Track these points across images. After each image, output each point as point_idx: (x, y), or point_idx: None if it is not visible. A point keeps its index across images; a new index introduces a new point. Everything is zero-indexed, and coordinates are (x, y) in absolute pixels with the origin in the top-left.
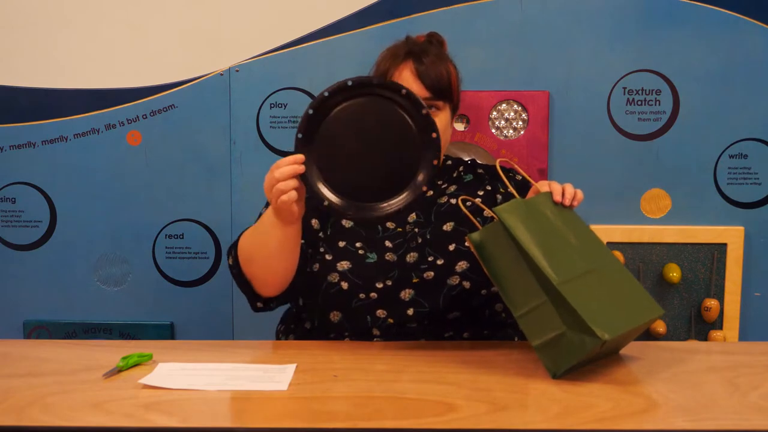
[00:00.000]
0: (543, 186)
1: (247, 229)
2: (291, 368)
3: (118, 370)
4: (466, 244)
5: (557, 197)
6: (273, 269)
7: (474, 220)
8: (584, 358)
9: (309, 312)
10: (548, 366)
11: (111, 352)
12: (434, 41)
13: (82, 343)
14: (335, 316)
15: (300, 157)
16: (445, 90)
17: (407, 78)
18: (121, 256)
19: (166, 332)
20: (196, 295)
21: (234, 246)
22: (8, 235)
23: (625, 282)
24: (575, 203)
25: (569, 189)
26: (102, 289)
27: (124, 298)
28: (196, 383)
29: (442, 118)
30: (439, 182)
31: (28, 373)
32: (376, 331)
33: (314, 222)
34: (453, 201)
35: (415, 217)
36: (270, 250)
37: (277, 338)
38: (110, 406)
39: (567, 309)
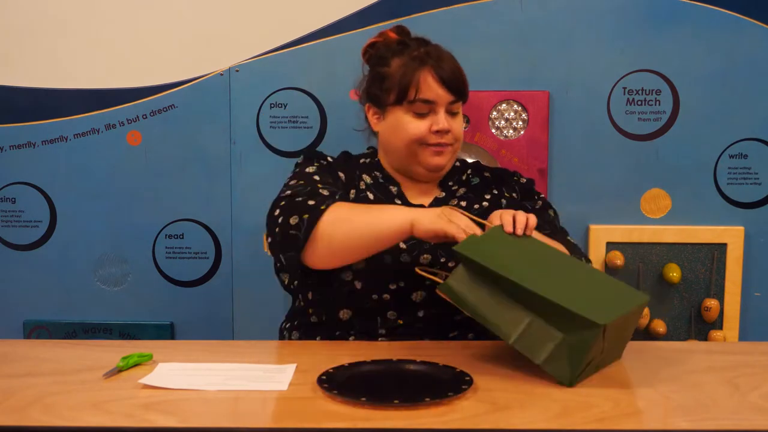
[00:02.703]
0: (494, 218)
1: (333, 201)
2: (291, 368)
3: (118, 370)
4: (440, 295)
5: (508, 228)
6: (361, 246)
7: (483, 222)
8: (591, 355)
9: (317, 307)
10: (561, 377)
11: (111, 352)
12: (407, 35)
13: (82, 343)
14: (345, 314)
15: None
16: (463, 88)
17: (432, 85)
18: (121, 256)
19: (166, 332)
20: (196, 295)
21: (314, 210)
22: (8, 235)
23: (602, 279)
24: (528, 232)
25: (520, 218)
26: (102, 289)
27: (124, 298)
28: (196, 383)
29: (460, 117)
30: (449, 183)
31: (28, 373)
32: (382, 330)
33: None
34: (463, 203)
35: None
36: (381, 233)
37: (281, 335)
38: (110, 406)
39: (557, 313)
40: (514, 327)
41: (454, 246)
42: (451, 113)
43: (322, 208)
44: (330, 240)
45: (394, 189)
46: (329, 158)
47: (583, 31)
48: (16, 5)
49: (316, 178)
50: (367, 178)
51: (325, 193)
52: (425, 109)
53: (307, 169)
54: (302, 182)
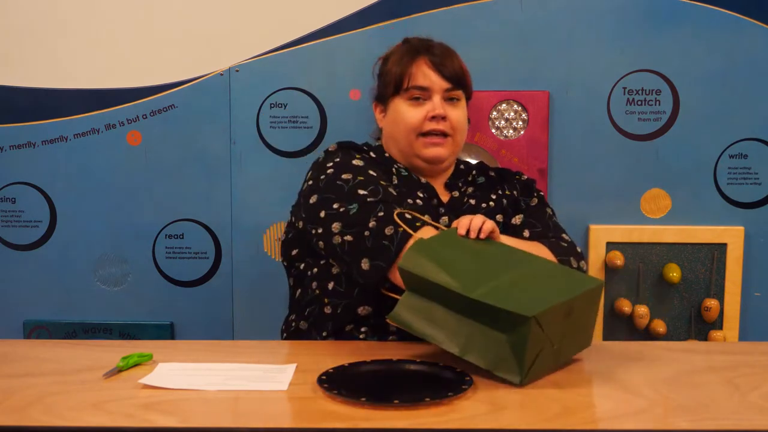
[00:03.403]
0: (454, 223)
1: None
2: (291, 368)
3: (118, 370)
4: (390, 323)
5: (461, 231)
6: None
7: (439, 226)
8: (535, 349)
9: (337, 298)
10: (510, 378)
11: (111, 352)
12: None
13: (82, 343)
14: (364, 310)
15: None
16: (461, 78)
17: (426, 71)
18: (121, 256)
19: (166, 332)
20: (196, 295)
21: (419, 222)
22: (8, 235)
23: (553, 271)
24: (482, 235)
25: (475, 222)
26: (102, 289)
27: (124, 298)
28: (196, 383)
29: (462, 108)
30: (459, 184)
31: (28, 373)
32: (393, 327)
33: None
34: (472, 201)
35: (447, 219)
36: None
37: (287, 327)
38: (110, 406)
39: (493, 315)
40: (458, 339)
41: (399, 263)
42: (450, 100)
43: (418, 224)
44: None
45: (423, 179)
46: (369, 154)
47: (583, 31)
48: (16, 5)
49: (372, 173)
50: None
51: (395, 192)
52: (420, 95)
53: (353, 161)
54: (362, 178)
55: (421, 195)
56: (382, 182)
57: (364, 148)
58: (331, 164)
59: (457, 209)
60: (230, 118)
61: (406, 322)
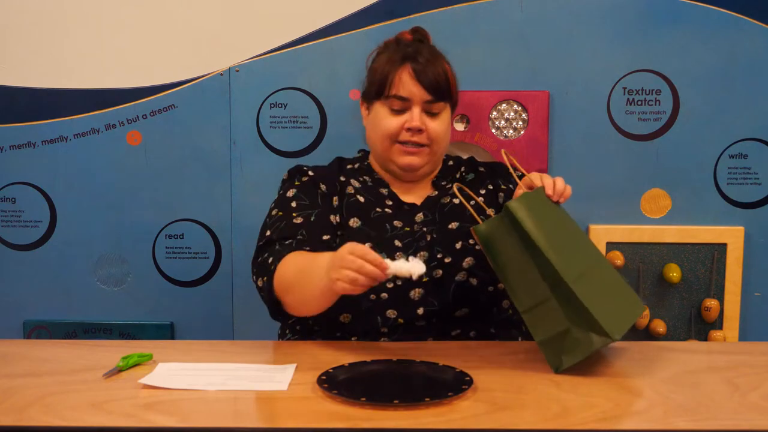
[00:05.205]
0: (535, 178)
1: (285, 252)
2: (291, 368)
3: (118, 370)
4: (473, 236)
5: (549, 190)
6: (312, 308)
7: (470, 208)
8: (589, 353)
9: (317, 315)
10: (551, 361)
11: (111, 352)
12: (422, 38)
13: (82, 343)
14: (345, 318)
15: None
16: (444, 89)
17: (407, 81)
18: (121, 256)
19: (166, 332)
20: (196, 295)
21: (269, 272)
22: (8, 235)
23: (615, 278)
24: (562, 200)
25: (559, 184)
26: (102, 289)
27: (124, 298)
28: (196, 383)
29: (444, 119)
30: (443, 183)
31: (28, 373)
32: (383, 329)
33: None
34: (456, 201)
35: (422, 216)
36: (315, 297)
37: (282, 330)
38: (110, 406)
39: (575, 306)
40: (529, 297)
41: (508, 202)
42: (431, 113)
43: (272, 268)
44: (291, 300)
45: (384, 191)
46: (310, 172)
47: (583, 31)
48: (16, 5)
49: (293, 204)
50: (355, 183)
51: (299, 221)
52: (400, 105)
53: (287, 193)
54: (281, 213)
55: (389, 203)
56: (294, 213)
57: (309, 170)
58: (276, 197)
59: (434, 209)
60: (230, 118)
61: (491, 242)
